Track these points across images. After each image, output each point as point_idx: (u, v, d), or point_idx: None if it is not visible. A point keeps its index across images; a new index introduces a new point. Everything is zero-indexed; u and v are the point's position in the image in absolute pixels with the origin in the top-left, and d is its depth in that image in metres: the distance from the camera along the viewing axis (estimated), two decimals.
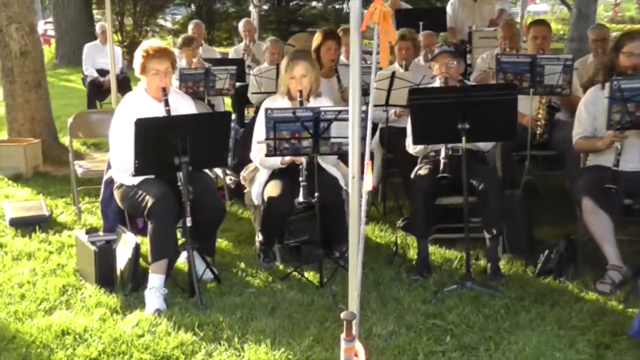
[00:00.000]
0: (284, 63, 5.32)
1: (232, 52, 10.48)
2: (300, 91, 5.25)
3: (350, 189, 3.74)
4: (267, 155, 4.88)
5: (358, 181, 3.71)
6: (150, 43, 5.13)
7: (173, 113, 4.97)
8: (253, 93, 8.08)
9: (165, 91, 5.01)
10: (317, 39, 6.86)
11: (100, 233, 5.27)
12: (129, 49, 12.02)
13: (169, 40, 22.29)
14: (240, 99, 9.06)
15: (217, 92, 7.94)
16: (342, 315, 3.35)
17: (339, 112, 4.69)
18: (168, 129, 4.62)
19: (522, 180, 6.31)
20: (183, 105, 5.22)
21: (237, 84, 8.32)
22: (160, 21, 23.15)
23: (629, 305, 4.50)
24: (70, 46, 19.43)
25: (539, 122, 6.31)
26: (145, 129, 4.53)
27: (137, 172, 4.67)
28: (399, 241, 5.74)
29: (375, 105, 6.28)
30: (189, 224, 4.68)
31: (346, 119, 4.56)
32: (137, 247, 4.98)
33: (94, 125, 7.02)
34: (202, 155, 4.70)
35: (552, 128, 6.31)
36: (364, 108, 3.65)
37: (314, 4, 22.11)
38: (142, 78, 5.11)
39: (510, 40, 7.69)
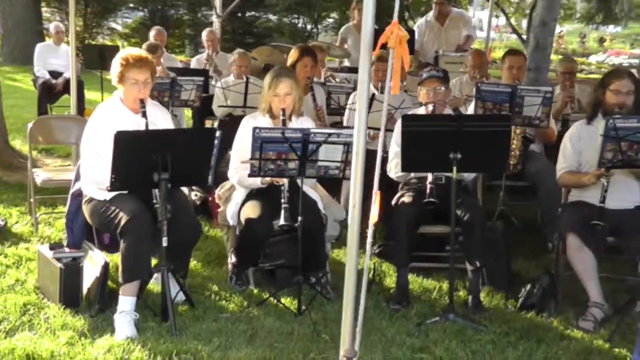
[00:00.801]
0: (267, 80, 5.15)
1: (193, 62, 10.23)
2: (283, 110, 5.09)
3: (350, 219, 3.57)
4: (250, 175, 4.70)
5: (359, 211, 3.55)
6: (130, 51, 4.90)
7: (151, 126, 4.75)
8: (219, 106, 7.87)
9: (143, 103, 4.80)
10: (293, 55, 6.68)
11: (66, 249, 4.99)
12: (79, 51, 11.66)
13: (117, 43, 21.88)
14: (202, 111, 8.80)
15: (182, 103, 7.68)
16: (343, 353, 3.17)
17: (329, 134, 4.54)
18: (149, 143, 4.39)
19: (496, 210, 6.24)
20: (160, 117, 5.02)
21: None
22: (111, 24, 22.65)
23: (615, 345, 4.44)
24: (16, 44, 18.81)
25: (513, 153, 6.25)
26: (126, 143, 4.30)
27: (113, 187, 4.43)
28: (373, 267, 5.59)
29: (349, 127, 6.20)
30: (164, 244, 4.46)
31: (336, 142, 4.47)
32: (105, 266, 4.74)
33: (55, 132, 6.74)
34: (183, 173, 4.50)
35: (525, 159, 6.25)
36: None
37: (270, 16, 21.99)
38: (119, 87, 4.87)
39: (480, 68, 7.67)
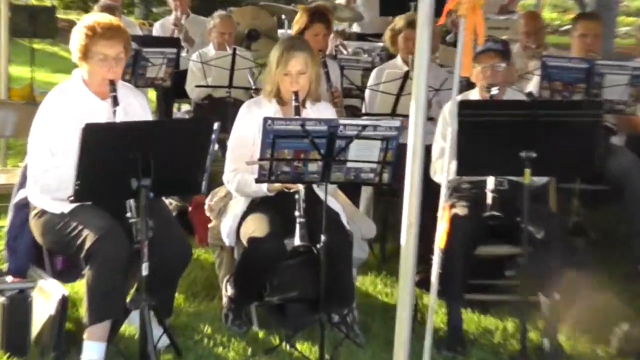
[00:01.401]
0: (274, 53, 5.10)
1: (156, 27, 10.14)
2: (296, 93, 5.03)
3: (404, 241, 3.52)
4: (257, 180, 4.62)
5: (416, 231, 3.51)
6: (96, 17, 4.85)
7: (123, 116, 4.66)
8: (197, 86, 7.80)
9: (114, 85, 4.74)
10: (300, 20, 6.64)
11: (8, 277, 4.89)
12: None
13: (46, 2, 21.68)
14: (169, 92, 8.73)
15: (148, 82, 7.59)
16: None
17: (363, 127, 4.46)
18: (127, 139, 4.31)
19: (569, 221, 6.19)
20: (134, 104, 4.96)
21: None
22: None
23: None
24: None
25: None
26: (97, 139, 4.20)
27: (78, 197, 4.33)
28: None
29: (379, 115, 6.17)
30: (145, 271, 4.38)
31: (372, 137, 4.42)
32: (63, 301, 4.66)
33: None
34: (169, 178, 4.42)
35: (606, 156, 6.21)
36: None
37: None
38: (80, 65, 4.81)
39: (535, 35, 7.65)
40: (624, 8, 24.95)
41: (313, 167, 4.58)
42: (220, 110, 7.59)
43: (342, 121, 4.51)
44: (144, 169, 4.27)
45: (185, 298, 5.56)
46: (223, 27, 8.16)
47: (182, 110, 10.52)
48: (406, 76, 6.19)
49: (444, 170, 3.60)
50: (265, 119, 4.43)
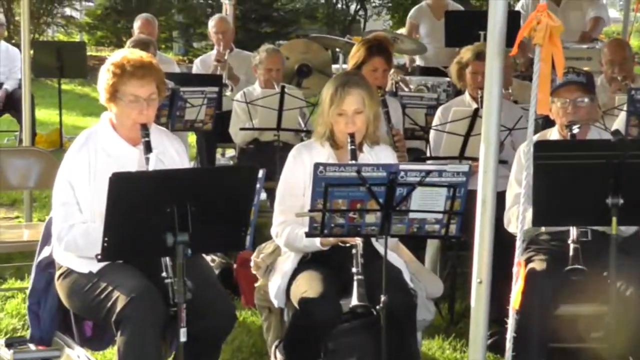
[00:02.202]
0: (327, 91, 5.10)
1: (197, 63, 10.23)
2: (352, 135, 5.03)
3: (474, 301, 3.46)
4: (309, 234, 4.60)
5: (487, 289, 3.45)
6: (126, 53, 4.89)
7: (157, 164, 4.68)
8: (242, 129, 7.82)
9: (146, 129, 4.77)
10: (357, 54, 6.63)
11: (31, 345, 4.96)
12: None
13: (75, 37, 22.05)
14: (211, 136, 8.78)
15: (188, 125, 7.71)
16: None
17: (427, 172, 4.41)
18: (160, 189, 4.30)
19: None
20: (170, 150, 5.01)
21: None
22: (67, 10, 22.89)
23: None
24: None
25: None
26: (126, 190, 4.21)
27: (106, 255, 4.32)
28: None
29: (445, 158, 6.14)
30: (183, 338, 4.34)
31: (437, 184, 4.38)
32: None
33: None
34: (210, 233, 4.38)
35: None
36: None
37: None
38: (109, 107, 4.84)
39: (622, 66, 7.57)
40: None
41: (371, 218, 4.55)
42: (268, 155, 7.63)
43: (402, 166, 4.47)
44: (180, 222, 4.25)
45: None
46: (270, 62, 8.19)
47: (226, 155, 10.62)
48: (475, 114, 6.14)
49: (519, 221, 3.52)
50: (317, 165, 4.42)
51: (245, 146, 8.17)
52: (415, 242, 6.01)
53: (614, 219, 4.48)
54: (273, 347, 5.26)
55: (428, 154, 6.80)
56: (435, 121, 6.89)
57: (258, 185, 4.37)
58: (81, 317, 4.96)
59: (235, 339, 5.89)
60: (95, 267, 4.61)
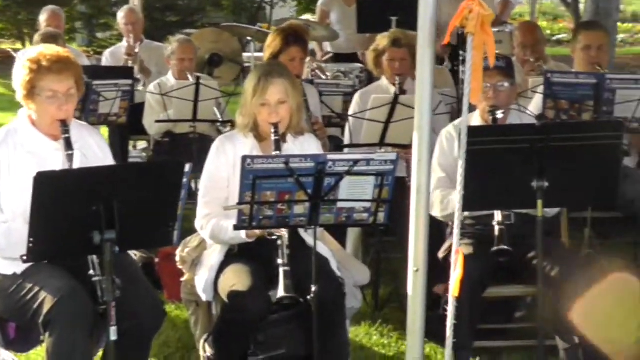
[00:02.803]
0: (250, 82, 5.05)
1: (106, 55, 10.05)
2: (276, 125, 4.99)
3: (411, 289, 3.47)
4: (237, 227, 4.56)
5: (423, 278, 3.46)
6: (41, 49, 4.79)
7: (80, 160, 4.62)
8: (157, 121, 7.72)
9: (66, 125, 4.67)
10: (273, 43, 6.57)
11: None
12: None
13: None
14: (124, 129, 8.66)
15: (102, 118, 7.59)
16: None
17: (355, 162, 4.40)
18: (87, 187, 4.21)
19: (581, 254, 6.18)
20: (92, 146, 4.92)
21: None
22: None
23: None
24: None
25: None
26: (51, 189, 4.11)
27: (32, 255, 4.22)
28: None
29: (366, 145, 6.14)
30: (113, 336, 4.27)
31: (365, 173, 4.37)
32: None
33: None
34: (137, 230, 4.33)
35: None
36: None
37: None
38: (27, 104, 4.74)
39: (534, 48, 7.65)
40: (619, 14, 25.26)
41: (300, 209, 4.53)
42: (184, 147, 7.57)
43: (330, 156, 4.45)
44: (107, 220, 4.18)
45: None
46: (183, 52, 8.09)
47: (138, 148, 10.46)
48: (395, 101, 6.13)
49: (456, 209, 3.52)
50: (244, 158, 4.37)
51: (160, 138, 8.06)
52: (336, 230, 5.99)
53: (540, 202, 4.54)
54: (202, 341, 5.20)
55: (346, 141, 6.77)
56: (354, 108, 6.88)
57: (184, 180, 4.32)
58: (5, 319, 4.82)
59: (161, 334, 5.76)
60: (20, 268, 4.52)
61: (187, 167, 4.30)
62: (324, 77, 8.40)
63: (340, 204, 4.53)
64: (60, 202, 4.13)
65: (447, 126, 5.68)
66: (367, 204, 4.54)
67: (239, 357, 5.07)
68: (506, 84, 5.30)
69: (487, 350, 5.43)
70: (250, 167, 4.37)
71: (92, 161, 4.74)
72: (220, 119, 7.81)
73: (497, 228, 4.95)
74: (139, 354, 4.73)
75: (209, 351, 5.10)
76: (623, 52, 17.07)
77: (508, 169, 4.55)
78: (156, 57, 9.20)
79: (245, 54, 11.27)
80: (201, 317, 5.31)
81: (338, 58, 10.39)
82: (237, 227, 4.58)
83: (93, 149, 4.86)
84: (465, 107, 3.39)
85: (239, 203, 4.46)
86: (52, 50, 4.74)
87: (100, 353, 4.80)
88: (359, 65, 9.76)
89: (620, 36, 20.55)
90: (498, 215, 4.99)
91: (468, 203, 4.64)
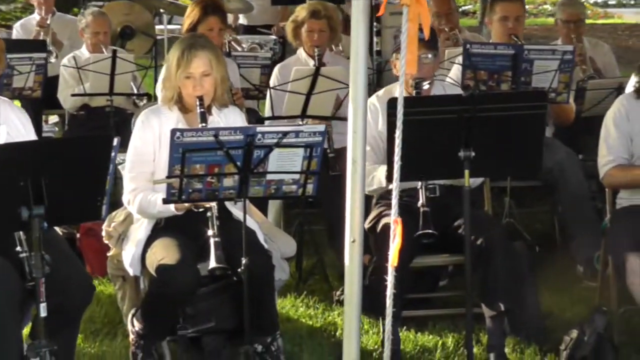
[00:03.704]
0: (174, 54, 4.99)
1: (17, 28, 9.83)
2: (201, 98, 4.94)
3: (348, 260, 3.48)
4: (166, 201, 4.53)
5: (360, 249, 3.48)
6: None
7: (6, 136, 4.55)
8: (74, 95, 7.60)
9: None
10: (191, 14, 6.52)
11: None
12: None
13: None
14: (38, 103, 8.49)
15: (16, 93, 7.44)
16: None
17: (285, 134, 4.40)
18: (12, 163, 4.12)
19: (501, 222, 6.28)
20: (15, 121, 4.82)
21: None
22: None
23: None
24: None
25: None
26: None
27: None
28: (340, 322, 5.51)
29: (288, 117, 6.14)
30: (43, 313, 4.20)
31: (294, 145, 4.37)
32: None
33: None
34: (65, 204, 4.26)
35: None
36: None
37: None
38: None
39: (448, 17, 7.70)
40: None
41: (229, 182, 4.51)
42: (100, 120, 7.48)
43: (260, 129, 4.44)
44: (35, 196, 4.10)
45: (83, 338, 5.40)
46: (97, 25, 7.99)
47: (49, 122, 10.29)
48: (317, 73, 6.12)
49: (394, 179, 3.54)
50: (174, 131, 4.33)
51: (76, 112, 7.93)
52: (257, 202, 5.97)
53: (467, 172, 4.57)
54: (130, 316, 5.14)
55: (266, 114, 6.74)
56: (273, 81, 6.85)
57: (113, 154, 4.26)
58: None
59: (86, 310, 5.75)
60: None
61: (115, 141, 4.24)
62: (239, 48, 8.33)
63: (269, 176, 4.53)
64: None
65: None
66: (296, 176, 4.54)
67: (168, 330, 5.04)
68: (430, 56, 5.30)
69: (413, 320, 5.48)
70: (179, 140, 4.33)
71: (15, 137, 4.64)
72: (137, 92, 7.74)
73: (421, 210, 4.96)
74: (69, 329, 4.66)
75: (138, 326, 5.04)
76: (528, 23, 17.28)
77: (436, 140, 4.57)
78: (69, 30, 9.07)
79: (158, 27, 11.14)
80: (128, 292, 5.26)
81: (251, 30, 10.34)
82: (166, 201, 4.55)
83: (16, 125, 4.75)
84: (401, 79, 3.39)
85: (168, 176, 4.42)
86: None
87: (26, 330, 4.74)
88: (273, 37, 9.73)
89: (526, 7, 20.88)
90: (422, 196, 4.99)
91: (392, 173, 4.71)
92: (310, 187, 4.58)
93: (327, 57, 6.91)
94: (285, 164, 4.50)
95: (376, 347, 5.23)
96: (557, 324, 5.36)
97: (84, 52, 8.02)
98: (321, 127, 4.48)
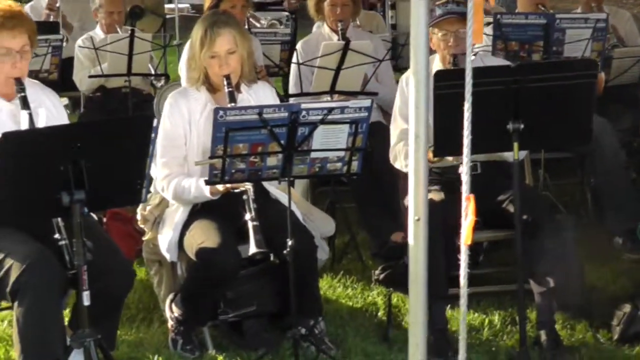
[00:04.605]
0: (197, 34, 4.88)
1: (26, 10, 9.60)
2: (228, 77, 4.84)
3: (412, 239, 3.36)
4: (209, 182, 4.47)
5: (425, 227, 3.35)
6: None
7: (38, 119, 4.40)
8: (91, 76, 7.47)
9: (21, 83, 4.48)
10: None
11: None
12: None
13: None
14: (54, 85, 8.34)
15: (33, 75, 7.17)
16: None
17: (330, 110, 4.29)
18: (53, 146, 4.02)
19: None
20: (47, 104, 4.70)
21: None
22: None
23: None
24: None
25: None
26: (16, 149, 3.92)
27: None
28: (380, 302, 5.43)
29: (317, 93, 6.04)
30: (86, 302, 4.11)
31: (339, 121, 4.27)
32: None
33: None
34: (106, 189, 4.16)
35: None
36: None
37: None
38: None
39: None
40: None
41: (272, 161, 4.45)
42: (118, 102, 7.38)
43: (304, 105, 4.34)
44: (76, 180, 4.00)
45: (120, 326, 5.28)
46: (111, 5, 7.89)
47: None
48: (347, 47, 5.99)
49: (465, 154, 3.40)
50: (217, 110, 4.24)
51: (92, 94, 7.80)
52: None
53: (516, 144, 4.47)
54: (168, 302, 5.06)
55: (291, 91, 6.62)
56: (298, 58, 6.71)
57: (153, 135, 4.15)
58: None
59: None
60: None
61: (155, 122, 4.13)
62: (258, 25, 8.22)
63: (313, 154, 4.45)
64: (26, 162, 3.95)
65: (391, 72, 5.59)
66: (341, 153, 4.45)
67: (209, 316, 4.98)
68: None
69: (456, 298, 5.37)
70: (222, 120, 4.24)
71: (51, 122, 4.51)
72: (154, 73, 7.62)
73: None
74: (112, 315, 4.60)
75: (177, 311, 4.97)
76: None
77: (483, 112, 4.43)
78: (79, 11, 8.94)
79: (167, 6, 11.00)
80: (165, 277, 5.18)
81: (260, 7, 10.22)
82: (208, 183, 4.49)
83: (49, 108, 4.64)
84: (469, 49, 3.25)
85: (211, 157, 4.33)
86: (3, 4, 4.54)
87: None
88: (285, 13, 9.61)
89: None
90: (464, 166, 4.88)
91: (440, 148, 4.59)
92: (355, 165, 4.51)
93: (350, 32, 6.78)
94: (330, 141, 4.43)
95: None
96: (602, 299, 5.30)
97: (98, 33, 7.89)
98: (367, 102, 4.38)
